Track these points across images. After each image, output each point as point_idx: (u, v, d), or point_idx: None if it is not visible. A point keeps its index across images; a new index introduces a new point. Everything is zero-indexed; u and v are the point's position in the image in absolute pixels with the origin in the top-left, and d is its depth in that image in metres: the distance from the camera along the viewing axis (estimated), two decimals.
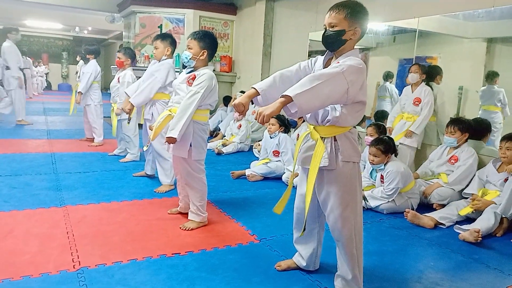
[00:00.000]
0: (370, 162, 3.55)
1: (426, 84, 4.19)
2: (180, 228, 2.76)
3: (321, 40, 1.87)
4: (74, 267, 2.15)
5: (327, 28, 1.84)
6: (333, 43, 1.84)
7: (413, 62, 4.46)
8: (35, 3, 10.26)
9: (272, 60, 7.12)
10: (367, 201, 3.45)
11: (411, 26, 4.51)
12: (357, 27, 1.82)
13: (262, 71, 7.07)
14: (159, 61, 3.56)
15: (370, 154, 3.51)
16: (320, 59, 1.97)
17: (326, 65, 1.92)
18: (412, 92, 4.22)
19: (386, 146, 3.45)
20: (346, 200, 1.88)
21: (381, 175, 3.48)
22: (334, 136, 1.86)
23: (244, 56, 7.87)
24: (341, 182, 1.87)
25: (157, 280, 2.08)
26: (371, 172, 3.69)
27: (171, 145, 2.70)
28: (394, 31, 4.91)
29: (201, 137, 2.76)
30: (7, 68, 6.81)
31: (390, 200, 3.39)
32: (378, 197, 3.43)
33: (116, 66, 4.89)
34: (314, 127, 1.91)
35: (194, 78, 2.70)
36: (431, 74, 4.26)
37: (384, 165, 3.47)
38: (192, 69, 2.77)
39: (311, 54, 6.07)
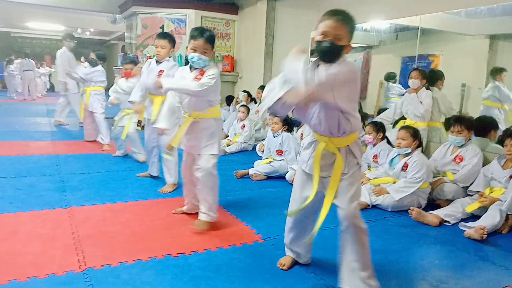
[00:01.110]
0: (396, 146, 3.57)
1: (426, 89, 4.19)
2: (191, 227, 2.75)
3: (318, 48, 1.78)
4: (79, 268, 2.16)
5: (328, 38, 1.75)
6: (332, 56, 1.78)
7: (416, 60, 4.45)
8: (37, 5, 10.30)
9: (274, 60, 7.11)
10: (371, 196, 3.46)
11: (414, 23, 4.50)
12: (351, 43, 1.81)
13: (264, 70, 7.08)
14: (160, 61, 3.55)
15: (398, 138, 3.55)
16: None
17: None
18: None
19: (415, 131, 3.53)
20: (356, 198, 1.95)
21: (405, 163, 3.47)
22: (348, 145, 1.92)
23: (246, 56, 7.87)
24: (351, 184, 1.93)
25: (162, 280, 2.09)
26: (391, 160, 3.69)
27: (202, 146, 2.73)
28: (396, 29, 4.90)
29: (221, 133, 2.86)
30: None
31: (414, 188, 3.35)
32: (401, 188, 3.39)
33: (118, 68, 4.92)
34: (329, 139, 1.92)
35: (202, 73, 2.68)
36: (432, 78, 4.26)
37: (411, 151, 3.49)
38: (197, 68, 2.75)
39: (312, 53, 6.07)
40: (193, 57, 2.65)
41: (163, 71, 3.50)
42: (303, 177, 2.09)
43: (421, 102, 4.13)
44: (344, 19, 1.77)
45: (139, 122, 3.86)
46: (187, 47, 2.73)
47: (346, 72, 1.75)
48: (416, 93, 4.21)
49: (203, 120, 2.73)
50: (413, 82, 4.18)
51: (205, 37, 2.65)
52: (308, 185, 2.03)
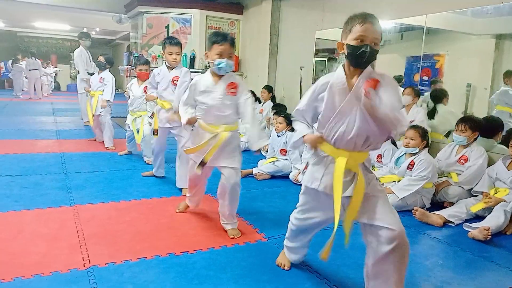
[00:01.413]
0: (404, 146, 3.57)
1: (434, 106, 4.28)
2: (232, 237, 2.67)
3: (357, 53, 1.67)
4: (84, 266, 2.17)
5: (365, 42, 1.67)
6: (368, 63, 1.72)
7: (421, 60, 4.44)
8: (43, 5, 10.36)
9: (279, 59, 7.11)
10: None
11: (419, 23, 4.48)
12: None
13: (268, 70, 7.08)
14: (175, 68, 3.57)
15: (406, 137, 3.55)
16: (337, 80, 1.77)
17: (350, 83, 1.76)
18: (407, 114, 4.27)
19: (423, 131, 3.54)
20: (396, 212, 1.82)
21: (411, 162, 3.47)
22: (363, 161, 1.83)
23: (250, 56, 7.87)
24: (384, 197, 1.83)
25: (166, 279, 2.10)
26: (398, 159, 3.69)
27: (223, 158, 2.64)
28: (402, 29, 4.88)
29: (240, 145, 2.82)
30: (78, 72, 7.12)
31: (418, 186, 3.34)
32: (405, 186, 3.38)
33: (124, 67, 4.93)
34: (350, 154, 1.79)
35: (235, 87, 2.59)
36: (437, 98, 4.33)
37: (418, 151, 3.49)
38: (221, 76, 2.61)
39: (317, 52, 6.06)
40: (220, 63, 2.49)
41: (178, 77, 3.53)
42: (316, 196, 1.94)
43: (412, 121, 4.16)
44: (378, 23, 1.71)
45: (155, 131, 3.78)
46: (206, 53, 2.60)
47: (398, 88, 1.73)
48: (408, 111, 4.29)
49: (230, 133, 2.63)
50: (405, 98, 4.26)
51: (230, 40, 2.53)
52: (324, 205, 1.89)
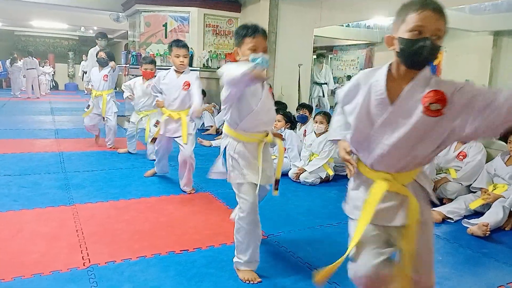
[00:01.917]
0: None
1: None
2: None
3: (413, 49, 1.27)
4: (84, 265, 2.17)
5: (425, 35, 1.27)
6: (428, 62, 1.32)
7: None
8: (41, 4, 10.35)
9: (277, 57, 7.11)
10: None
11: None
12: None
13: (267, 68, 7.08)
14: (182, 73, 3.47)
15: None
16: (375, 86, 1.38)
17: (390, 90, 1.35)
18: None
19: None
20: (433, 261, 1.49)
21: None
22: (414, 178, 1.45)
23: None
24: (428, 238, 1.46)
25: (166, 277, 2.10)
26: None
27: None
28: None
29: None
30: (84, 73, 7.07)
31: None
32: None
33: (122, 66, 4.91)
34: (392, 176, 1.41)
35: (271, 92, 2.41)
36: None
37: None
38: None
39: (315, 50, 6.06)
40: (255, 58, 1.98)
41: (189, 83, 3.40)
42: (368, 230, 1.46)
43: None
44: (443, 11, 1.31)
45: (153, 140, 3.71)
46: (236, 49, 2.18)
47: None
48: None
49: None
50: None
51: (262, 32, 2.15)
52: (379, 238, 1.47)
